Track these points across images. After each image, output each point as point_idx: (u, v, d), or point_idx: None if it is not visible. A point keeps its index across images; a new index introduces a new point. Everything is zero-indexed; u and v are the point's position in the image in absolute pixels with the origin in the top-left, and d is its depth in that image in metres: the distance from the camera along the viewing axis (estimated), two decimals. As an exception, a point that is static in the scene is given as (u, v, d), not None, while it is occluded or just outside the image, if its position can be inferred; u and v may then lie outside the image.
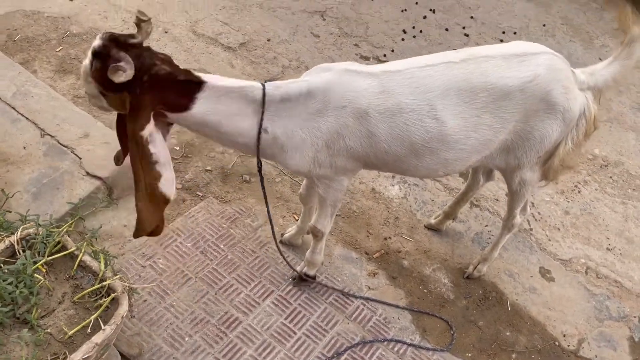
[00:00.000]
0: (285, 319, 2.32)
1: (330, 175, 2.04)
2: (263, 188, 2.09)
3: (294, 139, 1.90)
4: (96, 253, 1.83)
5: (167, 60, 1.70)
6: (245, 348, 2.19)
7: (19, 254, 1.75)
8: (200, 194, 2.77)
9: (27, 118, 2.64)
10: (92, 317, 1.66)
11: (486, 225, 2.94)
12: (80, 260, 1.78)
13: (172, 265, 2.40)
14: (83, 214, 2.36)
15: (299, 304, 2.39)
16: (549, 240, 2.93)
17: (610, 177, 3.35)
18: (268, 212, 2.16)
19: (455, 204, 2.76)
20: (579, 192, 3.23)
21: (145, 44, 1.66)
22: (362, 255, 2.66)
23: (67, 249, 1.80)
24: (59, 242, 1.80)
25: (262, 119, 1.85)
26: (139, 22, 1.60)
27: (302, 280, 2.43)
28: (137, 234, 1.72)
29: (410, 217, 2.89)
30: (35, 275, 1.70)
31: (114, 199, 2.55)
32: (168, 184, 1.70)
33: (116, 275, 1.79)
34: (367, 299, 2.46)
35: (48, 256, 1.76)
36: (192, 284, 2.35)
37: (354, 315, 2.40)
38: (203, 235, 2.55)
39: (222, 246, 2.53)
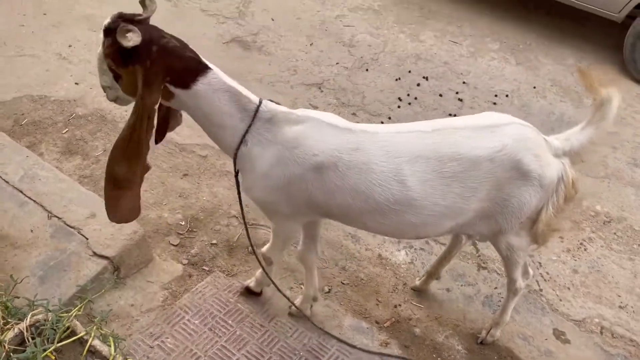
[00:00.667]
0: (298, 396, 2.26)
1: (287, 213, 2.10)
2: (239, 193, 2.15)
3: (264, 164, 1.95)
4: (105, 336, 1.81)
5: (174, 37, 1.80)
6: None
7: (28, 341, 1.73)
8: (207, 268, 2.76)
9: (34, 201, 2.67)
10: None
11: (495, 288, 2.92)
12: (90, 345, 1.76)
13: (180, 345, 2.35)
14: (91, 296, 2.34)
15: (311, 379, 2.33)
16: (560, 300, 2.90)
17: (615, 233, 3.36)
18: (243, 215, 2.22)
19: (438, 263, 2.75)
20: (585, 249, 3.23)
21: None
22: (372, 325, 2.62)
23: (76, 334, 1.78)
24: (68, 327, 1.79)
25: (247, 131, 1.91)
26: (143, 1, 1.73)
27: (249, 293, 2.62)
28: (130, 216, 1.91)
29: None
30: (45, 362, 1.68)
31: (121, 278, 2.54)
32: None
33: (126, 359, 1.76)
34: (380, 370, 2.41)
35: (57, 342, 1.74)
36: (201, 363, 2.30)
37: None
38: (211, 311, 2.51)
39: (230, 322, 2.49)
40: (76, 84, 3.98)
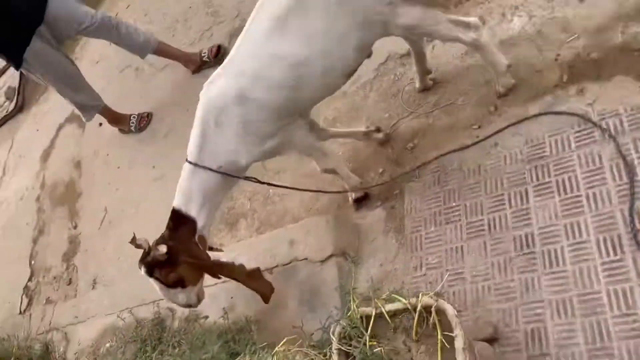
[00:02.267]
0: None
1: (273, 130, 2.31)
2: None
3: (238, 153, 2.30)
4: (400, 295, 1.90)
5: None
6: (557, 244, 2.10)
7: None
8: (395, 192, 2.78)
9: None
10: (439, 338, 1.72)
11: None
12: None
13: (439, 253, 2.42)
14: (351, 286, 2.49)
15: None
16: None
17: None
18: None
19: (417, 65, 2.76)
20: None
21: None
22: (554, 91, 2.45)
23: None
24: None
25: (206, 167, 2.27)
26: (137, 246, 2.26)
27: (361, 201, 2.79)
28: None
29: (551, 25, 2.62)
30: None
31: (353, 258, 2.66)
32: None
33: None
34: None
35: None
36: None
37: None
38: (432, 211, 2.55)
39: (453, 204, 2.50)
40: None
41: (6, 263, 5.46)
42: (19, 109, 6.89)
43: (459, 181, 2.53)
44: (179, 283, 2.30)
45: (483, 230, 2.33)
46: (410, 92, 2.99)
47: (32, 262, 5.18)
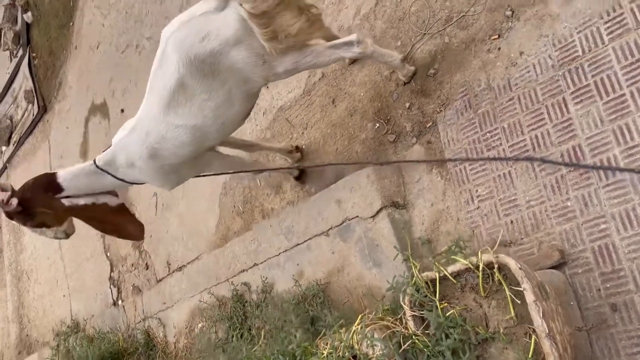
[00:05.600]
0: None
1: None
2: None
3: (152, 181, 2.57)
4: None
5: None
6: (608, 152, 2.00)
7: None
8: (427, 124, 2.68)
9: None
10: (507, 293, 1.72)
11: None
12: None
13: (490, 183, 2.36)
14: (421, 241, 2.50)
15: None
16: None
17: None
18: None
19: None
20: None
21: None
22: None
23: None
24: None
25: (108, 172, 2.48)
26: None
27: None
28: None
29: None
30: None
31: (401, 205, 2.64)
32: None
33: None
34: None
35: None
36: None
37: None
38: (471, 147, 2.45)
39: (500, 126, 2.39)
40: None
41: (85, 260, 5.80)
42: (43, 109, 6.96)
43: (491, 101, 2.40)
44: (42, 225, 2.58)
45: (527, 151, 2.24)
46: (417, 12, 2.78)
47: (108, 254, 5.48)
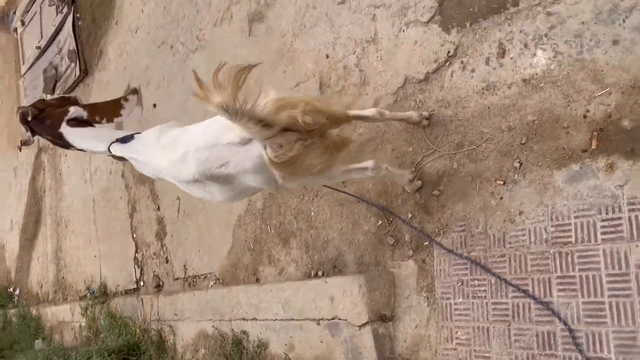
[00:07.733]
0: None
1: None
2: None
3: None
4: None
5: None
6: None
7: None
8: (425, 243, 2.74)
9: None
10: None
11: None
12: None
13: (469, 328, 2.45)
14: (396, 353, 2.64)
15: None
16: None
17: None
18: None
19: None
20: None
21: None
22: (581, 159, 2.16)
23: None
24: None
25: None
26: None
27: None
28: None
29: (579, 70, 2.19)
30: None
31: (388, 318, 2.76)
32: None
33: None
34: None
35: None
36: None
37: None
38: (460, 279, 2.52)
39: (477, 277, 2.45)
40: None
41: (115, 233, 6.18)
42: (85, 72, 7.12)
43: (484, 249, 2.44)
44: (52, 126, 3.09)
45: (507, 316, 2.30)
46: (432, 125, 2.75)
47: (134, 235, 5.83)
